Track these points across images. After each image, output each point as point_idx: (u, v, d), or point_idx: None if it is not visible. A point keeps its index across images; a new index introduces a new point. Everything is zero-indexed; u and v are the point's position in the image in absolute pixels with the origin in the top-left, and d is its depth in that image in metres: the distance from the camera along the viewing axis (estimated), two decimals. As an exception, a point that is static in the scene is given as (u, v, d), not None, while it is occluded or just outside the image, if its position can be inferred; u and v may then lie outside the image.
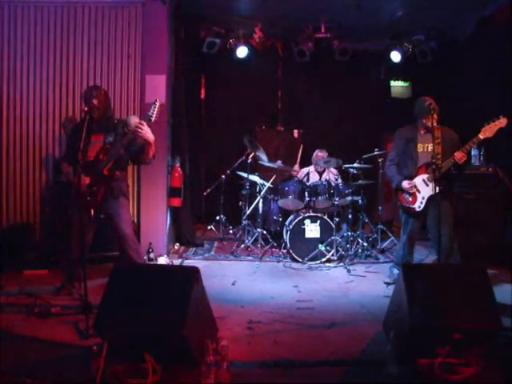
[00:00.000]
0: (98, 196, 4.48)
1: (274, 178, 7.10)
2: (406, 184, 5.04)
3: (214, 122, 9.33)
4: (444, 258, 4.82)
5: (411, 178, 5.05)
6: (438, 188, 4.62)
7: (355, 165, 6.74)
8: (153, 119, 4.37)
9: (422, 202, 4.98)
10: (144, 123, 4.34)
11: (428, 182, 4.94)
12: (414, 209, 5.02)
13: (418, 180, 5.01)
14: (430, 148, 4.88)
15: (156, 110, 4.36)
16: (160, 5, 6.37)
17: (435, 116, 4.72)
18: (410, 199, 5.05)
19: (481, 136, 4.61)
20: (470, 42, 7.77)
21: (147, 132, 4.37)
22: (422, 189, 4.98)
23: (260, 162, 7.23)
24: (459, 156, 4.71)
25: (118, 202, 4.62)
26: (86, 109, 4.38)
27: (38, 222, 6.33)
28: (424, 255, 6.59)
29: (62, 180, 5.14)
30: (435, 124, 4.71)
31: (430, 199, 4.91)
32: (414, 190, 5.00)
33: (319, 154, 7.43)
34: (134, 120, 4.84)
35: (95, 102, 4.48)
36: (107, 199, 4.55)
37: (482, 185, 6.19)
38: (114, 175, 4.54)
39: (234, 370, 3.21)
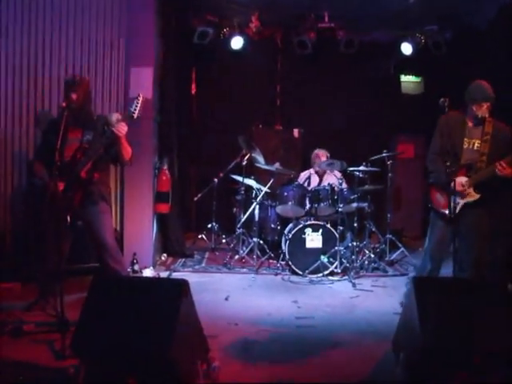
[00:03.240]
0: (74, 201, 4.46)
1: (271, 182, 7.09)
2: (459, 186, 4.53)
3: (205, 120, 9.34)
4: (456, 273, 4.67)
5: (450, 178, 4.58)
6: (476, 195, 4.46)
7: (361, 168, 6.73)
8: (135, 115, 4.37)
9: (455, 208, 4.59)
10: (124, 125, 4.36)
11: (466, 187, 4.60)
12: (444, 213, 4.70)
13: (458, 183, 4.58)
14: (477, 145, 4.60)
15: (139, 105, 4.36)
16: (146, -10, 6.39)
17: (489, 107, 4.48)
18: (443, 202, 4.71)
19: None
20: (489, 31, 7.74)
21: (125, 135, 4.42)
22: (458, 193, 4.61)
23: (256, 164, 7.22)
24: (501, 167, 4.32)
25: (98, 208, 4.60)
26: (63, 104, 4.36)
27: (9, 230, 6.29)
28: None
29: (36, 183, 5.12)
30: (487, 115, 4.47)
31: (465, 206, 4.60)
32: (462, 191, 4.59)
33: (319, 154, 7.40)
34: (117, 117, 4.83)
35: (74, 95, 4.47)
36: (85, 205, 4.53)
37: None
38: (92, 178, 4.52)
39: (226, 395, 3.20)
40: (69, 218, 4.41)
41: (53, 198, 4.29)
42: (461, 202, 4.61)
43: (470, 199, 4.55)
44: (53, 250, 4.49)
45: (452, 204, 4.55)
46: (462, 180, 4.57)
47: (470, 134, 4.66)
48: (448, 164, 4.42)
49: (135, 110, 4.35)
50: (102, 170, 4.66)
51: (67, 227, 4.48)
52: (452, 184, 4.45)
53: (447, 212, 4.66)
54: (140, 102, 4.37)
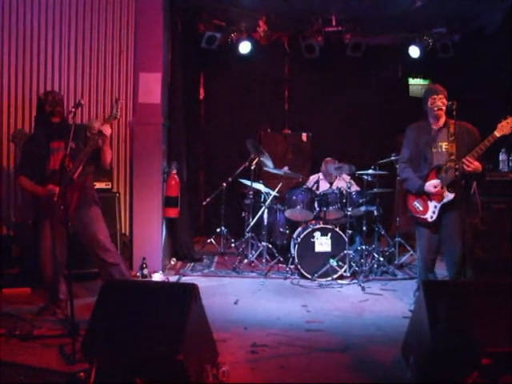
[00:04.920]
0: (71, 205, 4.56)
1: (280, 186, 7.09)
2: (431, 187, 4.71)
3: (214, 125, 9.35)
4: (453, 273, 4.74)
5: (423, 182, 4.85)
6: (450, 195, 4.59)
7: (370, 171, 6.73)
8: (118, 116, 4.66)
9: (434, 212, 4.77)
10: (108, 126, 4.58)
11: (439, 188, 4.71)
12: (425, 219, 4.83)
13: (431, 185, 4.77)
14: (445, 147, 4.75)
15: (118, 107, 4.63)
16: (154, -5, 6.41)
17: (444, 101, 4.66)
18: (421, 208, 4.85)
19: (497, 133, 4.42)
20: (496, 34, 7.73)
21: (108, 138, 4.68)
22: (434, 197, 4.77)
23: (265, 168, 7.23)
24: (468, 162, 4.48)
25: (92, 210, 4.80)
26: (55, 119, 4.72)
27: (19, 234, 6.31)
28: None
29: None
30: (443, 108, 4.65)
31: (443, 208, 4.73)
32: (437, 192, 4.72)
33: (328, 165, 7.37)
34: (99, 123, 5.06)
35: (60, 109, 4.73)
36: (80, 207, 4.68)
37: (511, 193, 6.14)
38: (85, 181, 4.72)
39: (236, 399, 3.20)
40: (70, 225, 4.48)
41: (48, 204, 4.53)
42: (438, 205, 4.75)
43: (445, 200, 4.67)
44: (51, 255, 4.66)
45: (431, 209, 4.78)
46: (434, 182, 4.73)
47: (436, 137, 4.84)
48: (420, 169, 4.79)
49: (117, 111, 4.61)
50: (90, 173, 4.84)
51: (66, 231, 4.55)
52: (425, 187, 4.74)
53: (427, 216, 4.83)
54: (119, 104, 4.65)
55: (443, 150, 4.77)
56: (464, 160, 4.48)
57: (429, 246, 4.89)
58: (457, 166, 4.44)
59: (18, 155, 5.80)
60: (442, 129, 4.81)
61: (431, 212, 4.79)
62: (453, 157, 4.52)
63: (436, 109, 4.70)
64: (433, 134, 4.85)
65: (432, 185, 4.71)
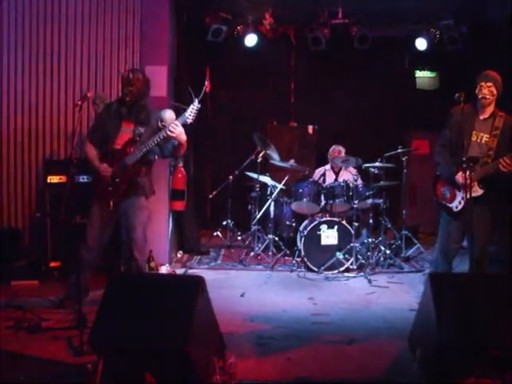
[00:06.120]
0: (119, 190, 4.60)
1: (286, 178, 7.08)
2: (461, 178, 4.33)
3: (220, 118, 9.35)
4: (471, 268, 4.66)
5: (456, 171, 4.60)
6: (480, 191, 4.41)
7: (377, 164, 6.70)
8: (189, 121, 4.48)
9: (460, 203, 4.58)
10: (179, 125, 4.45)
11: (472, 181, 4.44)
12: (450, 208, 4.66)
13: (461, 176, 4.44)
14: (485, 139, 4.52)
15: (194, 112, 4.46)
16: (160, -12, 6.39)
17: (492, 89, 4.43)
18: (449, 196, 4.67)
19: None
20: (504, 26, 7.66)
21: (181, 133, 4.51)
22: (462, 188, 4.51)
23: (271, 161, 7.23)
24: (505, 163, 4.27)
25: (138, 202, 4.73)
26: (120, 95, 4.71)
27: (27, 227, 6.35)
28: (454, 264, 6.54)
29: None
30: (488, 96, 4.43)
31: (468, 202, 4.41)
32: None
33: (336, 149, 7.43)
34: (170, 116, 5.02)
35: (131, 88, 4.60)
36: (128, 195, 4.66)
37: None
38: (139, 171, 4.67)
39: (243, 391, 3.21)
40: (112, 204, 4.57)
41: (101, 181, 4.58)
42: (465, 196, 4.47)
43: (474, 194, 4.33)
44: (97, 237, 4.69)
45: (458, 199, 4.57)
46: (468, 174, 4.36)
47: (479, 127, 4.59)
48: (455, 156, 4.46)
49: (190, 115, 4.46)
50: (148, 163, 4.78)
51: (110, 213, 4.66)
52: (457, 176, 4.49)
53: (452, 205, 4.65)
54: (195, 108, 4.46)
55: (483, 141, 4.54)
56: (501, 160, 4.30)
57: (449, 235, 4.72)
58: (493, 164, 4.33)
59: (93, 119, 5.84)
60: (488, 119, 4.56)
61: (457, 202, 4.61)
62: (491, 152, 4.41)
63: (480, 97, 4.48)
64: (476, 123, 4.59)
65: (462, 176, 4.31)
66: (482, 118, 4.60)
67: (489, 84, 4.47)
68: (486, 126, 4.56)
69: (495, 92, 4.48)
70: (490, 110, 4.57)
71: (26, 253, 6.08)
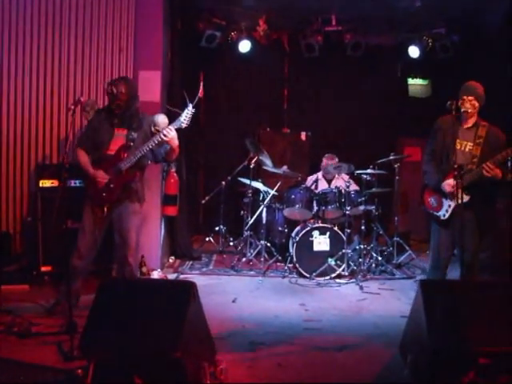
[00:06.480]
0: (114, 195, 4.58)
1: (279, 184, 7.08)
2: (448, 187, 4.56)
3: (213, 123, 9.35)
4: (461, 275, 4.68)
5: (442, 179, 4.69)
6: (465, 197, 4.37)
7: (369, 171, 6.72)
8: (184, 126, 4.49)
9: (447, 211, 4.66)
10: (173, 129, 4.45)
11: (455, 189, 4.44)
12: (438, 217, 4.74)
13: (447, 184, 4.62)
14: (469, 147, 4.61)
15: (188, 117, 4.46)
16: (154, -7, 6.40)
17: (474, 102, 4.50)
18: (436, 205, 4.75)
19: None
20: (496, 34, 7.72)
21: (174, 138, 4.51)
22: (449, 195, 4.63)
23: (264, 167, 7.23)
24: (488, 168, 4.36)
25: (132, 207, 4.71)
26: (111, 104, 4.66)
27: (19, 231, 6.31)
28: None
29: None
30: (469, 110, 4.49)
31: (460, 208, 4.44)
32: (452, 192, 4.51)
33: (328, 162, 7.36)
34: (163, 121, 5.07)
35: (118, 102, 4.61)
36: (122, 200, 4.65)
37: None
38: (134, 176, 4.67)
39: (233, 397, 3.20)
40: (106, 209, 4.58)
41: (94, 186, 4.57)
42: (452, 204, 4.62)
43: (459, 201, 4.35)
44: (89, 242, 4.65)
45: (445, 207, 4.64)
46: (451, 181, 4.51)
47: (462, 135, 4.67)
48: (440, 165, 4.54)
49: (185, 120, 4.46)
50: (142, 167, 4.78)
51: (102, 218, 4.65)
52: (444, 184, 4.57)
53: (440, 214, 4.72)
54: (190, 113, 4.46)
55: (467, 149, 4.63)
56: (484, 166, 4.39)
57: (441, 244, 4.76)
58: (477, 170, 4.40)
59: (84, 126, 5.80)
60: (471, 128, 4.65)
61: (444, 210, 4.69)
62: (475, 159, 4.47)
63: (463, 110, 4.54)
64: (460, 132, 4.68)
65: (449, 184, 4.55)
66: (465, 127, 4.69)
67: (470, 98, 4.55)
68: (469, 134, 4.66)
69: (477, 105, 4.58)
70: (472, 120, 4.67)
71: (17, 257, 6.04)
